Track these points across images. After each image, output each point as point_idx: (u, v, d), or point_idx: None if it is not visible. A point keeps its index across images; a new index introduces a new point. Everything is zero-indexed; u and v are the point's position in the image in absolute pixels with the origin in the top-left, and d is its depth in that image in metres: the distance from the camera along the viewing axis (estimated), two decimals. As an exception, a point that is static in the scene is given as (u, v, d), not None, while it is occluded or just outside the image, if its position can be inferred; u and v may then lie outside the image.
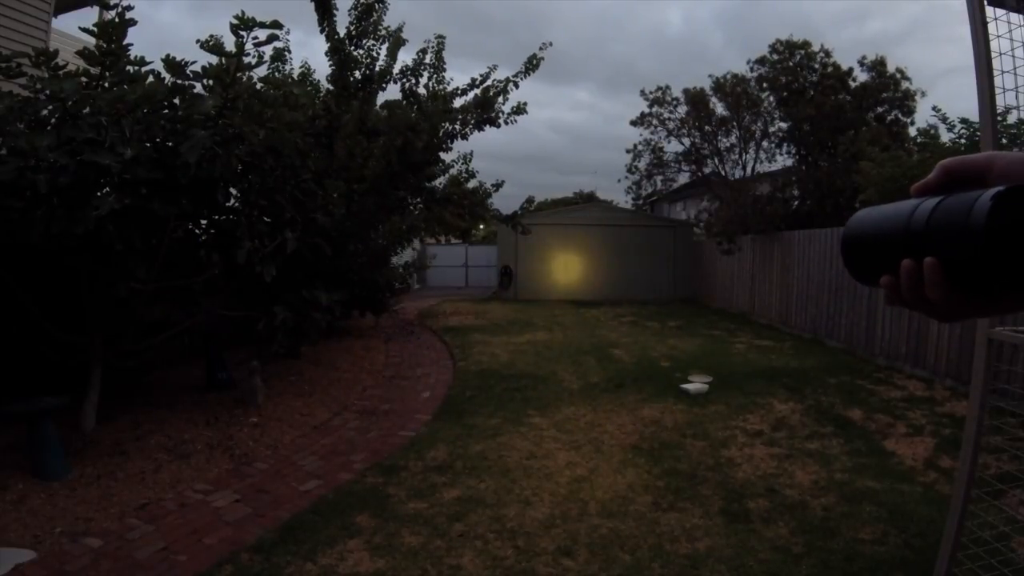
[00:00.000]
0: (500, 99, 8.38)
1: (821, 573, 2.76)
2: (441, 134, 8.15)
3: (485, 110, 8.34)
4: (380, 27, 8.16)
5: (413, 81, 8.69)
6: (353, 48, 7.97)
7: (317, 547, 2.97)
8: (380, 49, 8.30)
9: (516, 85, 8.47)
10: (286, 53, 8.40)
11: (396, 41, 8.37)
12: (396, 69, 8.57)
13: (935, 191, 0.47)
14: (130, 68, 4.12)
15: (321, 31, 7.82)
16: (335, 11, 7.81)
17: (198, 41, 4.27)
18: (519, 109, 8.61)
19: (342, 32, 7.91)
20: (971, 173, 0.47)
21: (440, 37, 8.70)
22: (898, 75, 11.99)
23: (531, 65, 8.57)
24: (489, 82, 8.44)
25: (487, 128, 8.55)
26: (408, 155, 7.58)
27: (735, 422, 5.05)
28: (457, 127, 8.41)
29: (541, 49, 8.59)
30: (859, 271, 0.52)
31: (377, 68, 8.36)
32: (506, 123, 8.58)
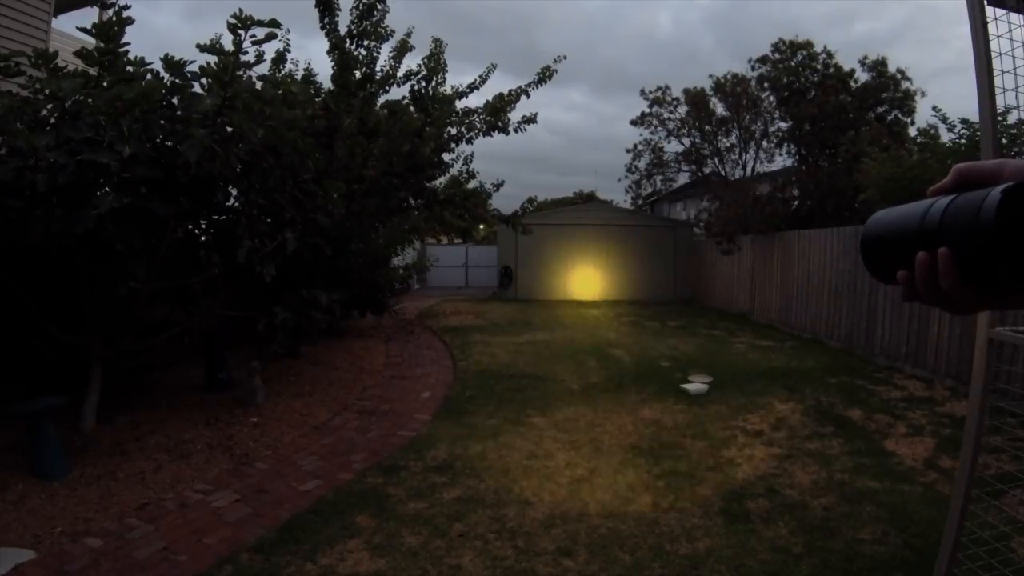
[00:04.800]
0: (510, 107, 8.55)
1: (821, 573, 2.75)
2: (445, 136, 8.22)
3: (498, 117, 8.48)
4: (381, 27, 8.18)
5: (422, 84, 8.79)
6: (354, 47, 7.99)
7: (317, 547, 2.97)
8: (380, 49, 8.34)
9: (528, 95, 8.66)
10: (286, 54, 8.43)
11: (403, 47, 8.47)
12: (400, 73, 8.71)
13: (949, 193, 0.49)
14: (129, 68, 4.11)
15: (322, 28, 7.84)
16: (337, 10, 7.83)
17: (199, 45, 4.25)
18: (530, 119, 8.76)
19: (343, 31, 7.92)
20: (983, 177, 0.50)
21: (438, 41, 8.81)
22: (898, 75, 12.01)
23: (544, 76, 8.80)
24: (503, 90, 8.68)
25: (495, 134, 8.70)
26: (415, 159, 7.67)
27: (735, 422, 5.05)
28: (463, 131, 8.51)
29: (556, 62, 8.86)
30: (877, 268, 0.55)
31: (379, 69, 8.40)
32: (516, 131, 8.71)
